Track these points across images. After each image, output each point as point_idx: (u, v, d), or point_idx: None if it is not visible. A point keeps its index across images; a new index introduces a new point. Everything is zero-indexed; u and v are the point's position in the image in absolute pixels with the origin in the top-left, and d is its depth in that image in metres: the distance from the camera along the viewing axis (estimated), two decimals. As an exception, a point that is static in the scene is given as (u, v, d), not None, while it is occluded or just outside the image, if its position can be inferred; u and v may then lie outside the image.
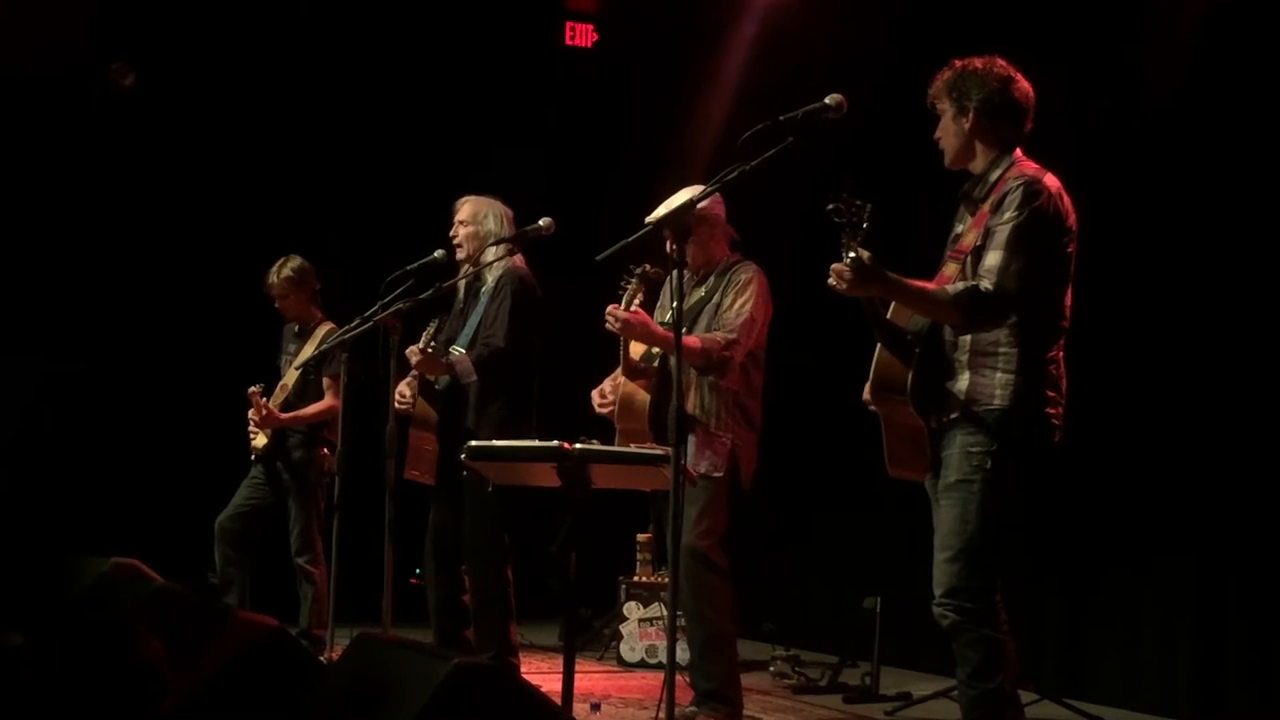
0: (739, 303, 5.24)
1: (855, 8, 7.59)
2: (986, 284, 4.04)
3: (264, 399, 7.20)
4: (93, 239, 8.53)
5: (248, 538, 7.21)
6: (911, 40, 6.98)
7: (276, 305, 7.40)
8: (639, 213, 5.14)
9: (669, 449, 4.12)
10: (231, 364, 7.90)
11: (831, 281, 3.97)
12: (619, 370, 5.35)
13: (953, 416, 4.13)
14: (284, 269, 7.31)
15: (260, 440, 7.26)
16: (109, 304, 8.59)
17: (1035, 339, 4.10)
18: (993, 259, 4.06)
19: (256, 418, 7.19)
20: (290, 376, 7.30)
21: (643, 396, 5.28)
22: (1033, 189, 4.08)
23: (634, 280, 5.23)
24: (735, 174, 4.08)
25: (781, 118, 4.00)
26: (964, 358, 4.13)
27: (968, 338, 4.13)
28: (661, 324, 5.25)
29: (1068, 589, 6.50)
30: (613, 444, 5.30)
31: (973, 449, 4.07)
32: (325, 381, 7.20)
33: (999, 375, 4.08)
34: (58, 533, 7.56)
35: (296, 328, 7.45)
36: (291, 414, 7.23)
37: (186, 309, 8.61)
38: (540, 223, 5.73)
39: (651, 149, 8.57)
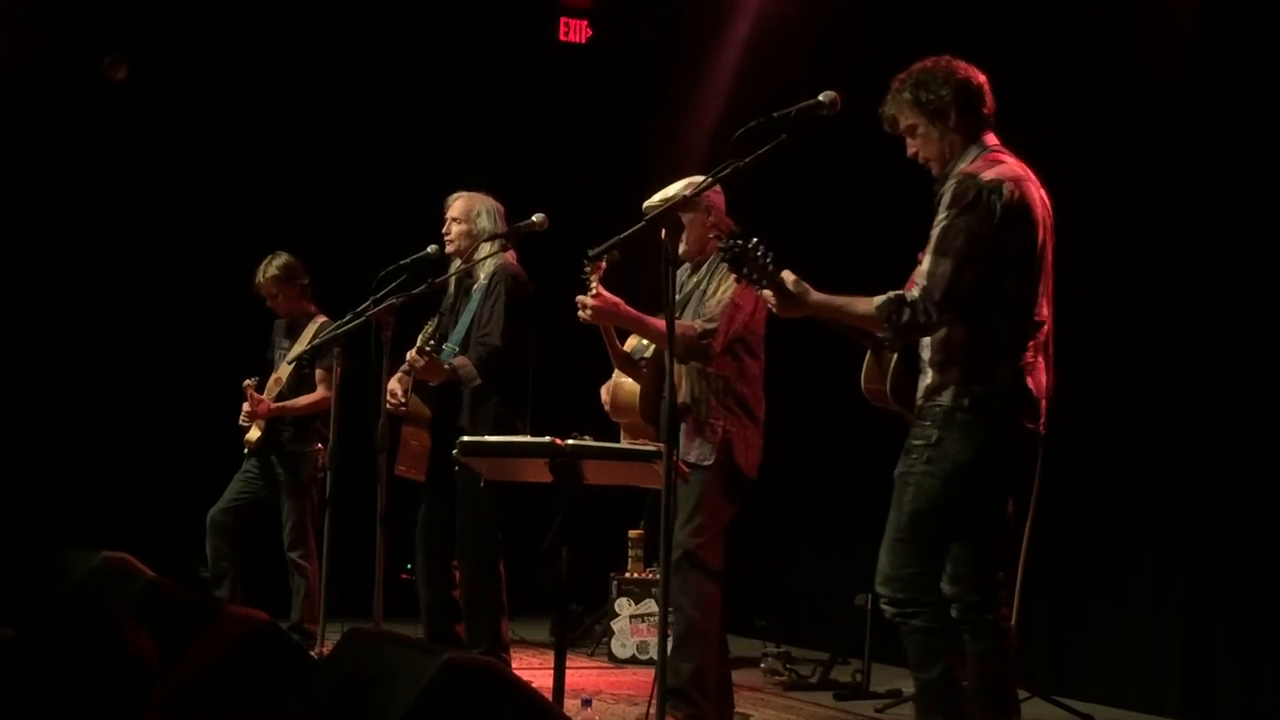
0: (721, 289, 5.15)
1: (849, 4, 7.59)
2: (914, 291, 3.98)
3: (258, 392, 7.19)
4: (85, 232, 8.52)
5: (239, 531, 7.20)
6: (906, 38, 6.98)
7: (267, 304, 7.37)
8: (633, 208, 5.14)
9: (662, 445, 4.11)
10: (224, 357, 7.90)
11: (769, 307, 4.09)
12: None
13: (917, 408, 4.12)
14: (270, 268, 7.27)
15: (254, 434, 7.25)
16: (101, 297, 8.59)
17: (987, 335, 4.02)
18: (925, 263, 4.01)
19: (249, 410, 7.18)
20: (283, 370, 7.29)
21: (631, 388, 5.21)
22: (961, 187, 3.99)
23: (588, 264, 5.02)
24: (729, 170, 4.08)
25: (775, 114, 4.00)
26: (927, 355, 4.11)
27: (930, 337, 4.08)
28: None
29: (1058, 587, 6.51)
30: (617, 440, 5.29)
31: (916, 442, 4.06)
32: (318, 374, 7.18)
33: (950, 371, 4.03)
34: (48, 527, 7.55)
35: (288, 322, 7.43)
36: (281, 404, 7.22)
37: (178, 302, 8.61)
38: (533, 218, 5.72)
39: (646, 145, 8.57)
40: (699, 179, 5.25)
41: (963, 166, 4.08)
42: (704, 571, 5.09)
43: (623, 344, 5.32)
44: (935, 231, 4.01)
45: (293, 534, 7.19)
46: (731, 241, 4.03)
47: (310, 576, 7.09)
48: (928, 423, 4.05)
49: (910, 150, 4.20)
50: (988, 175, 4.01)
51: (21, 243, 8.36)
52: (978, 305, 4.00)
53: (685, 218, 5.09)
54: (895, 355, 4.19)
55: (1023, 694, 5.85)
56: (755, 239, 3.99)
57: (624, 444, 5.13)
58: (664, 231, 4.35)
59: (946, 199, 4.01)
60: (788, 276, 4.01)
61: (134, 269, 8.61)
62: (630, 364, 5.27)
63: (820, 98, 4.03)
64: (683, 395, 5.08)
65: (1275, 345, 5.74)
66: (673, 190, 5.23)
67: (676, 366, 5.08)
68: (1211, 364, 5.94)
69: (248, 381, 7.18)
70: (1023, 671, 6.11)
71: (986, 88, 4.16)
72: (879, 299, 4.01)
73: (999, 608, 4.14)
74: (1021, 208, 4.02)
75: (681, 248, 5.20)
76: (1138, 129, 6.14)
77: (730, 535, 5.23)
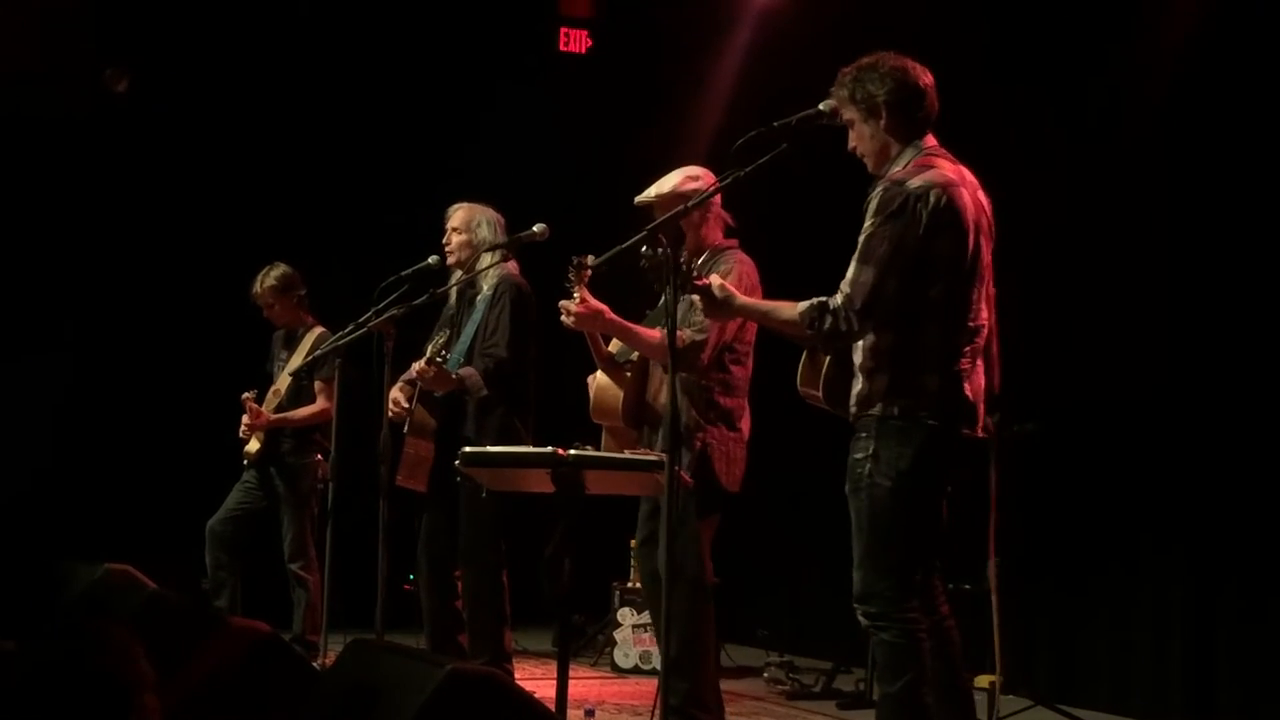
0: None
1: (848, 13, 7.60)
2: (837, 298, 3.96)
3: (257, 404, 7.19)
4: (85, 244, 8.53)
5: (238, 542, 7.20)
6: (903, 46, 6.99)
7: (264, 314, 7.38)
8: (634, 218, 5.13)
9: (664, 454, 4.11)
10: (223, 369, 7.90)
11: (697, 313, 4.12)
12: None
13: (852, 417, 4.10)
14: (267, 278, 7.29)
15: (253, 445, 7.25)
16: (102, 309, 8.60)
17: (913, 343, 3.97)
18: (849, 271, 3.97)
19: (249, 422, 7.18)
20: (283, 382, 7.29)
21: (614, 392, 5.16)
22: (888, 195, 3.95)
23: (572, 272, 4.97)
24: (729, 180, 4.08)
25: (776, 123, 4.00)
26: (859, 360, 4.07)
27: (862, 343, 4.05)
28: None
29: (1060, 595, 6.51)
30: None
31: (856, 455, 4.03)
32: (317, 385, 7.18)
33: (878, 378, 3.99)
34: (50, 539, 7.55)
35: (286, 334, 7.44)
36: (281, 415, 7.22)
37: (179, 314, 8.61)
38: (534, 228, 5.72)
39: (645, 155, 8.57)
40: (694, 169, 5.26)
41: (894, 171, 4.03)
42: (692, 587, 5.00)
43: (608, 345, 5.26)
44: (861, 239, 3.96)
45: (293, 546, 7.19)
46: (651, 250, 4.02)
47: (311, 588, 7.09)
48: (864, 435, 4.02)
49: (850, 144, 4.16)
50: (915, 182, 3.95)
51: (23, 254, 8.37)
52: (904, 313, 3.96)
53: (687, 223, 5.05)
54: (829, 358, 4.19)
55: (1026, 702, 5.87)
56: (663, 249, 4.01)
57: (625, 454, 5.11)
58: (663, 240, 4.34)
59: (873, 206, 3.97)
60: (714, 280, 4.05)
61: (134, 280, 8.61)
62: (614, 366, 5.21)
63: (820, 106, 4.04)
64: (662, 402, 4.92)
65: (1277, 352, 5.74)
66: (669, 182, 5.20)
67: (659, 374, 5.09)
68: (1214, 369, 5.93)
69: (247, 394, 7.18)
70: (1027, 680, 6.14)
71: (930, 90, 4.09)
72: (803, 305, 3.99)
73: (938, 608, 4.11)
74: (950, 214, 3.96)
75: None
76: (1139, 128, 6.15)
77: (732, 545, 5.21)
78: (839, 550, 7.58)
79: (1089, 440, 6.36)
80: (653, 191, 5.20)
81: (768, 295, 4.94)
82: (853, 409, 4.08)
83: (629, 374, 5.18)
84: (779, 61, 7.96)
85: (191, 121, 8.65)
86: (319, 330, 7.27)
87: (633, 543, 7.63)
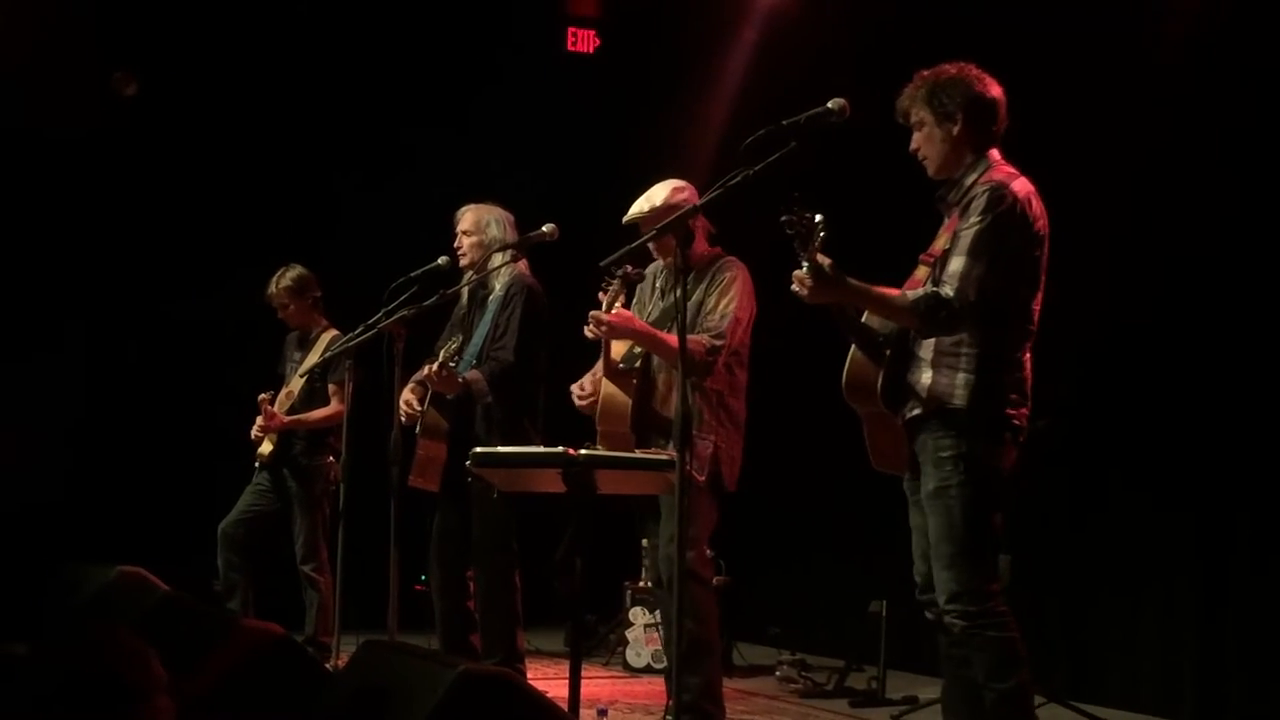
0: (723, 304, 5.17)
1: (856, 13, 7.60)
2: (947, 289, 4.04)
3: (271, 406, 7.21)
4: (97, 248, 8.55)
5: (250, 544, 7.21)
6: (911, 44, 6.98)
7: (279, 315, 7.40)
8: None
9: (673, 454, 4.12)
10: (235, 372, 7.92)
11: (795, 288, 4.03)
12: (598, 366, 5.28)
13: (916, 413, 4.14)
14: (283, 279, 7.31)
15: (266, 447, 7.26)
16: (114, 311, 8.61)
17: (998, 341, 4.10)
18: (955, 264, 4.06)
19: (262, 424, 7.20)
20: (295, 384, 7.31)
21: (623, 399, 5.20)
22: (997, 194, 4.07)
23: (615, 282, 5.15)
24: (738, 179, 4.08)
25: (784, 122, 4.00)
26: (928, 355, 4.14)
27: (932, 340, 4.13)
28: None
29: (1071, 591, 6.50)
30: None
31: (943, 453, 4.08)
32: (330, 388, 7.20)
33: (960, 375, 4.08)
34: (62, 542, 7.56)
35: (299, 335, 7.46)
36: (295, 417, 7.23)
37: (191, 316, 8.62)
38: (544, 229, 5.73)
39: (654, 154, 8.57)
40: (677, 181, 5.31)
41: (990, 175, 4.15)
42: (698, 583, 5.10)
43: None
44: (968, 234, 4.06)
45: (305, 547, 7.20)
46: (799, 213, 3.95)
47: (323, 589, 7.10)
48: (944, 433, 4.08)
49: (913, 145, 4.29)
50: (1016, 188, 4.11)
51: (34, 258, 8.39)
52: (996, 311, 4.08)
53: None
54: (890, 353, 4.19)
55: (1039, 699, 5.85)
56: (820, 217, 3.96)
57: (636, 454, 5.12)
58: (672, 242, 4.35)
59: (980, 204, 4.07)
60: (824, 259, 3.99)
61: (146, 283, 8.62)
62: (620, 374, 5.26)
63: (829, 105, 4.03)
64: (674, 406, 5.02)
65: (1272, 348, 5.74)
66: (659, 195, 5.24)
67: (666, 378, 5.14)
68: (1223, 368, 5.92)
69: (263, 396, 7.20)
70: (1039, 676, 6.12)
71: (1001, 104, 4.23)
72: (917, 292, 4.07)
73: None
74: (1041, 221, 4.14)
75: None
76: (1138, 129, 6.14)
77: (745, 543, 5.25)
78: (852, 547, 7.63)
79: (1100, 436, 6.35)
80: (644, 206, 5.24)
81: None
82: (922, 403, 4.11)
83: (634, 381, 5.22)
84: (787, 61, 7.96)
85: (202, 123, 8.66)
86: (333, 333, 7.28)
87: (644, 542, 7.68)
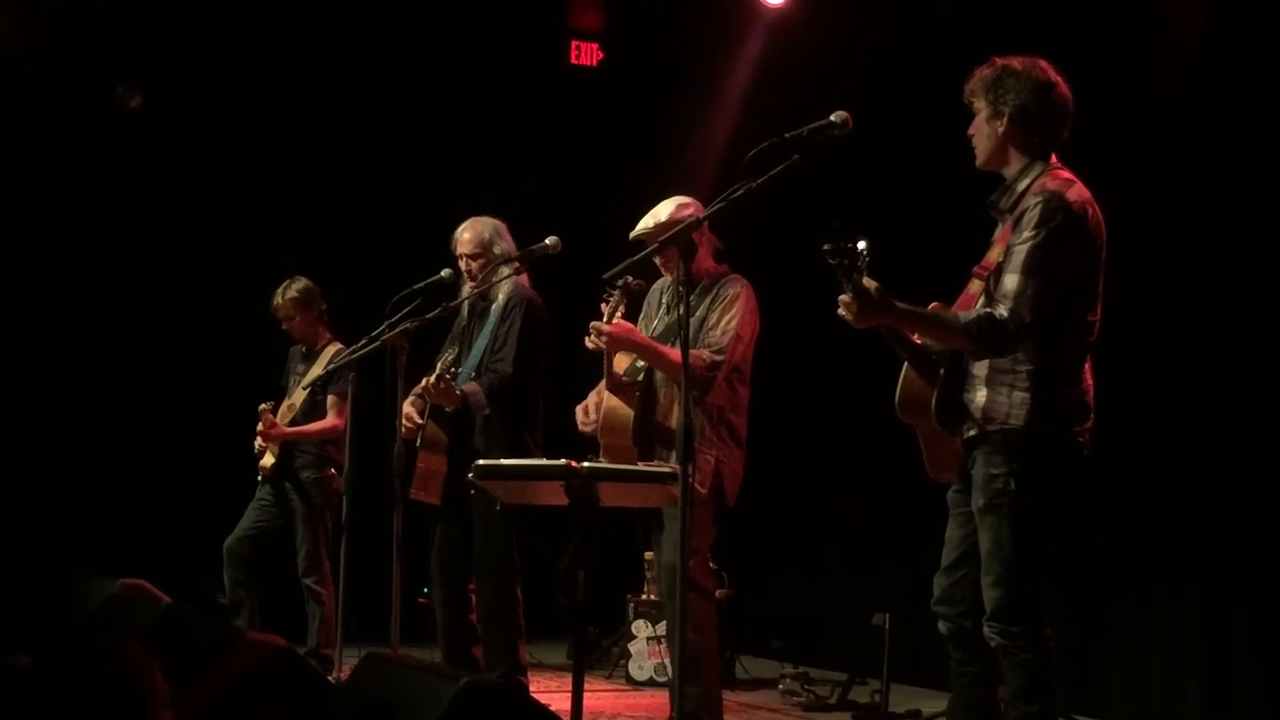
0: (725, 320, 5.17)
1: (859, 25, 7.61)
2: (1002, 310, 3.94)
3: (272, 416, 7.21)
4: (99, 256, 8.56)
5: (256, 560, 7.22)
6: (915, 56, 7.00)
7: (284, 327, 7.41)
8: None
9: (676, 467, 4.11)
10: (239, 384, 7.92)
11: (841, 313, 3.96)
12: (602, 384, 5.28)
13: (971, 434, 4.06)
14: (289, 290, 7.33)
15: (268, 460, 7.26)
16: (118, 323, 8.62)
17: (1055, 357, 3.99)
18: (1009, 283, 3.95)
19: (262, 431, 7.20)
20: (297, 395, 7.31)
21: (626, 412, 5.19)
22: (1050, 206, 3.95)
23: (615, 293, 5.14)
24: (741, 192, 4.07)
25: (787, 135, 3.99)
26: (982, 373, 4.04)
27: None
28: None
29: (1077, 605, 6.48)
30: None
31: (995, 470, 3.99)
32: (330, 400, 7.20)
33: (1016, 394, 3.98)
34: (65, 554, 7.56)
35: (304, 348, 7.47)
36: (294, 429, 7.24)
37: (195, 329, 8.63)
38: (546, 241, 5.73)
39: (657, 168, 8.58)
40: (683, 198, 5.31)
41: (1043, 183, 4.04)
42: (698, 592, 5.09)
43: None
44: (1022, 249, 3.95)
45: (307, 560, 7.20)
46: (840, 242, 3.85)
47: (325, 602, 7.09)
48: (999, 451, 3.99)
49: (970, 129, 4.20)
50: (1072, 196, 3.99)
51: (36, 266, 8.40)
52: (1053, 328, 3.97)
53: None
54: (943, 371, 4.11)
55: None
56: (863, 244, 3.85)
57: (640, 466, 5.13)
58: (675, 255, 4.35)
59: (1034, 217, 3.96)
60: (870, 284, 3.91)
61: (151, 295, 8.63)
62: (623, 387, 5.25)
63: (832, 118, 4.02)
64: (675, 420, 5.00)
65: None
66: (664, 212, 5.25)
67: (668, 392, 5.13)
68: (1229, 374, 5.92)
69: (264, 405, 7.20)
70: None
71: (1066, 112, 4.11)
72: (969, 314, 3.98)
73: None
74: (1098, 232, 4.04)
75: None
76: (1142, 128, 6.15)
77: (748, 556, 5.25)
78: (854, 561, 7.62)
79: (1106, 447, 6.34)
80: (650, 223, 5.25)
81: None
82: (977, 424, 4.03)
83: (637, 394, 5.22)
84: (790, 74, 7.97)
85: (206, 135, 8.68)
86: (336, 346, 7.28)
87: (647, 555, 7.68)
